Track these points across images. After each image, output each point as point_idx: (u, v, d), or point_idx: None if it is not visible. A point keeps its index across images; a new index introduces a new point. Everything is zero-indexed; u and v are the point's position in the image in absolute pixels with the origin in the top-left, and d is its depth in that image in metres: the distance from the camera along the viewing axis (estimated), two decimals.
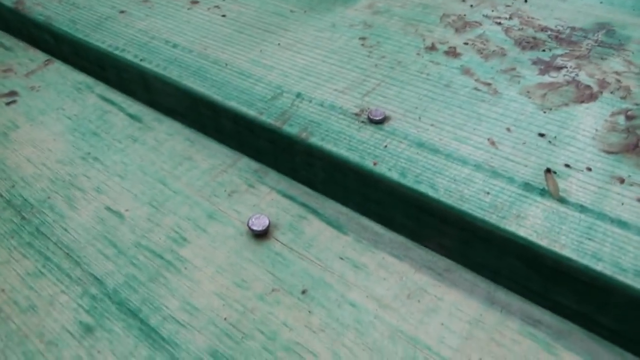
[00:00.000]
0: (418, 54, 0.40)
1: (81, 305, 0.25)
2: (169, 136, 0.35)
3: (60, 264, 0.27)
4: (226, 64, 0.41)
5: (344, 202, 0.32)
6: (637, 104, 0.33)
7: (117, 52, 0.43)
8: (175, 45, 0.43)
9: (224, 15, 0.47)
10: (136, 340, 0.24)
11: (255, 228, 0.28)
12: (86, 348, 0.24)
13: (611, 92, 0.34)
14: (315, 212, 0.29)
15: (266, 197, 0.30)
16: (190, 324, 0.24)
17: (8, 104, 0.39)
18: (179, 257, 0.27)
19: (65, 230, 0.29)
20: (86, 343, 0.24)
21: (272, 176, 0.32)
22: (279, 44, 0.43)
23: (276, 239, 0.28)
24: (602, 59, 0.37)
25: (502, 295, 0.25)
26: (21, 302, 0.26)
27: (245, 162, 0.33)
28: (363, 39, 0.43)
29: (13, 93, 0.40)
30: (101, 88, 0.40)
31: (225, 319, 0.24)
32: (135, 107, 0.38)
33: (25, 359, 0.23)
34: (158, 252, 0.28)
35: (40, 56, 0.45)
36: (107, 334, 0.24)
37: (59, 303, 0.26)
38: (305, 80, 0.38)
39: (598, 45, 0.39)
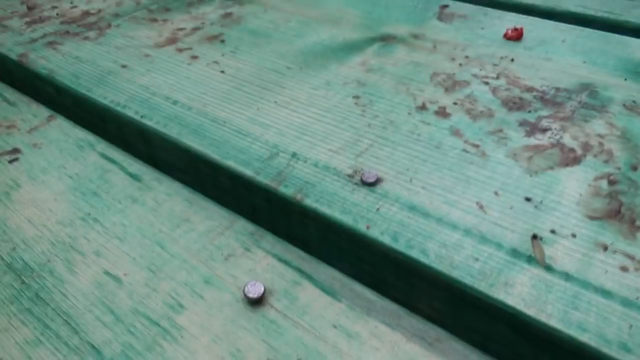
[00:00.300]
0: (409, 113, 0.42)
1: None
2: (168, 197, 0.36)
3: (59, 332, 0.28)
4: (224, 122, 0.42)
5: (338, 265, 0.32)
6: (619, 168, 0.35)
7: (118, 108, 0.45)
8: (175, 102, 0.45)
9: (222, 72, 0.49)
10: None
11: (251, 295, 0.28)
12: None
13: (594, 156, 0.36)
14: (309, 277, 0.30)
15: (262, 262, 0.31)
16: None
17: (10, 161, 0.40)
18: (175, 325, 0.28)
19: (65, 295, 0.30)
20: None
21: (268, 239, 0.33)
22: (275, 101, 0.44)
23: (271, 305, 0.29)
24: (585, 121, 0.39)
25: None
26: None
27: (242, 224, 0.34)
28: (357, 97, 0.44)
29: (16, 150, 0.41)
30: (102, 145, 0.41)
31: None
32: (136, 166, 0.39)
33: None
34: (155, 320, 0.28)
35: (44, 111, 0.46)
36: None
37: None
38: (301, 140, 0.40)
39: (581, 107, 0.41)
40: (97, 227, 0.34)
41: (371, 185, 0.35)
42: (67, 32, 0.58)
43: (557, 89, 0.43)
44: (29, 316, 0.29)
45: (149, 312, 0.29)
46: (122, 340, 0.27)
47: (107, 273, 0.31)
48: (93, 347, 0.27)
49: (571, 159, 0.36)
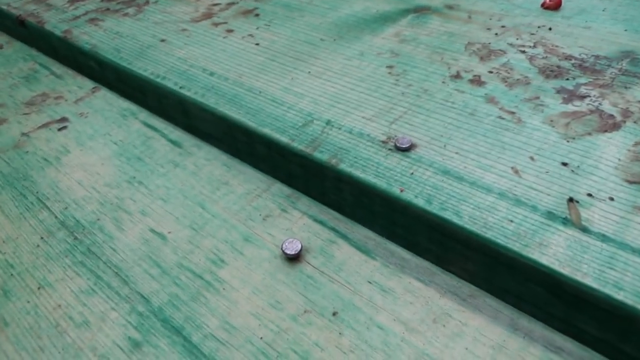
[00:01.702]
0: (443, 82, 0.42)
1: (129, 321, 0.28)
2: (207, 161, 0.37)
3: (110, 283, 0.30)
4: (260, 92, 0.43)
5: (372, 226, 0.33)
6: None
7: (158, 80, 0.46)
8: (212, 74, 0.46)
9: (257, 44, 0.50)
10: (180, 356, 0.26)
11: (288, 252, 0.30)
12: None
13: (634, 122, 0.35)
14: (344, 236, 0.31)
15: (298, 222, 0.32)
16: (229, 342, 0.26)
17: (60, 129, 0.42)
18: (218, 278, 0.29)
19: (114, 250, 0.32)
20: (135, 357, 0.26)
21: (304, 201, 0.34)
22: (309, 72, 0.45)
23: (308, 262, 0.30)
24: (625, 87, 0.38)
25: (525, 321, 0.26)
26: (76, 317, 0.28)
27: (279, 187, 0.35)
28: (390, 67, 0.44)
29: (64, 119, 0.43)
30: (144, 115, 0.43)
31: (261, 338, 0.26)
32: (176, 134, 0.40)
33: None
34: (198, 273, 0.30)
35: (88, 83, 0.48)
36: (154, 349, 0.26)
37: (109, 319, 0.28)
38: (335, 108, 0.40)
39: (622, 74, 0.40)
40: (142, 189, 0.36)
41: (405, 150, 0.35)
42: (108, 9, 0.60)
43: (597, 57, 0.42)
44: (82, 268, 0.31)
45: (192, 266, 0.30)
46: (169, 291, 0.29)
47: (152, 231, 0.33)
48: (142, 296, 0.29)
49: (610, 125, 0.35)
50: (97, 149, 0.40)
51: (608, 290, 0.26)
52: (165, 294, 0.29)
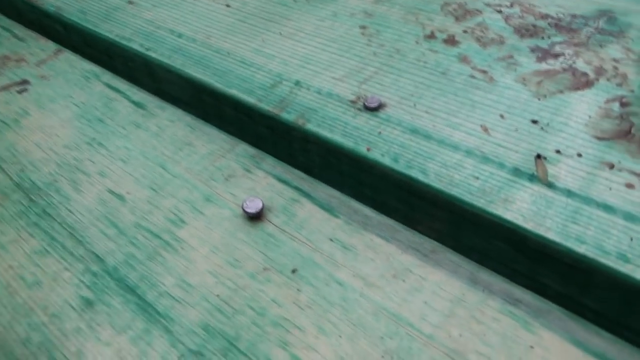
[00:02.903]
0: (417, 42, 0.40)
1: (82, 281, 0.27)
2: (171, 122, 0.36)
3: (64, 243, 0.29)
4: (228, 53, 0.42)
5: (340, 187, 0.32)
6: (632, 91, 0.33)
7: (124, 42, 0.45)
8: (180, 35, 0.45)
9: (228, 5, 0.48)
10: (133, 314, 0.25)
11: (249, 210, 0.29)
12: (86, 321, 0.25)
13: (607, 79, 0.34)
14: (308, 195, 0.30)
15: (262, 181, 0.31)
16: (185, 299, 0.26)
17: (20, 92, 0.41)
18: (176, 238, 0.29)
19: (70, 211, 0.30)
20: (86, 316, 0.25)
21: (269, 161, 0.33)
22: (280, 33, 0.43)
23: (269, 221, 0.29)
24: (600, 46, 0.37)
25: (485, 275, 0.25)
26: (27, 277, 0.27)
27: (243, 147, 0.34)
28: (363, 27, 0.43)
29: (25, 82, 0.42)
30: (108, 77, 0.42)
31: (217, 295, 0.26)
32: (140, 95, 0.39)
33: (30, 330, 0.25)
34: (156, 233, 0.29)
35: (51, 46, 0.46)
36: (106, 307, 0.26)
37: (62, 279, 0.27)
38: (305, 69, 0.39)
39: (598, 33, 0.39)
40: (102, 150, 0.34)
41: (374, 110, 0.34)
42: None
43: (574, 16, 0.41)
44: (36, 229, 0.30)
45: (150, 226, 0.29)
46: (125, 251, 0.28)
47: (110, 192, 0.31)
48: (97, 256, 0.28)
49: (583, 82, 0.34)
50: (57, 111, 0.38)
51: (570, 244, 0.25)
52: (121, 253, 0.28)
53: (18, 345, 0.24)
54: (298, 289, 0.26)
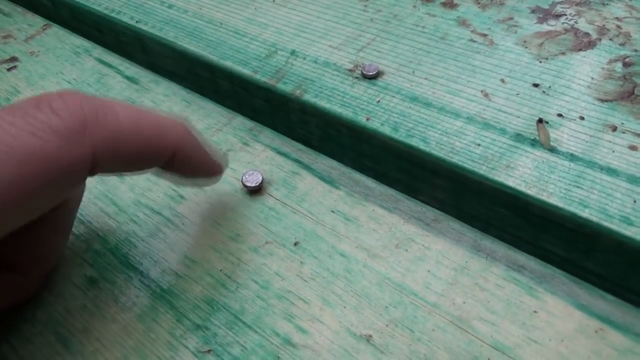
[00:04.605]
0: (414, 6, 0.39)
1: (85, 259, 0.27)
2: (166, 97, 0.36)
3: None
4: (221, 23, 0.41)
5: (339, 158, 0.32)
6: (636, 50, 0.32)
7: (113, 15, 0.43)
8: (170, 6, 0.43)
9: None
10: (137, 291, 0.25)
11: (249, 184, 0.28)
12: (91, 299, 0.25)
13: (610, 39, 0.34)
14: (308, 167, 0.30)
15: (260, 155, 0.31)
16: (188, 275, 0.26)
17: (9, 69, 0.40)
18: (177, 214, 0.28)
19: None
20: (90, 294, 0.25)
21: (267, 134, 0.32)
22: (273, 1, 0.42)
23: (270, 195, 0.29)
24: (603, 4, 0.36)
25: (488, 243, 0.25)
26: None
27: (240, 120, 0.33)
28: None
29: (14, 59, 0.41)
30: (99, 51, 0.40)
31: (220, 270, 0.26)
32: (133, 70, 0.38)
33: (35, 309, 0.25)
34: (157, 210, 0.29)
35: (39, 21, 0.45)
36: (110, 285, 0.26)
37: (65, 258, 0.27)
38: (300, 37, 0.38)
39: None
40: None
41: (372, 78, 0.34)
42: None
43: None
44: None
45: (150, 203, 0.29)
46: (126, 229, 0.28)
47: None
48: (98, 234, 0.28)
49: (585, 43, 0.34)
50: (49, 88, 0.37)
51: (573, 209, 0.25)
52: (123, 231, 0.28)
53: (25, 323, 0.25)
54: (301, 262, 0.26)
